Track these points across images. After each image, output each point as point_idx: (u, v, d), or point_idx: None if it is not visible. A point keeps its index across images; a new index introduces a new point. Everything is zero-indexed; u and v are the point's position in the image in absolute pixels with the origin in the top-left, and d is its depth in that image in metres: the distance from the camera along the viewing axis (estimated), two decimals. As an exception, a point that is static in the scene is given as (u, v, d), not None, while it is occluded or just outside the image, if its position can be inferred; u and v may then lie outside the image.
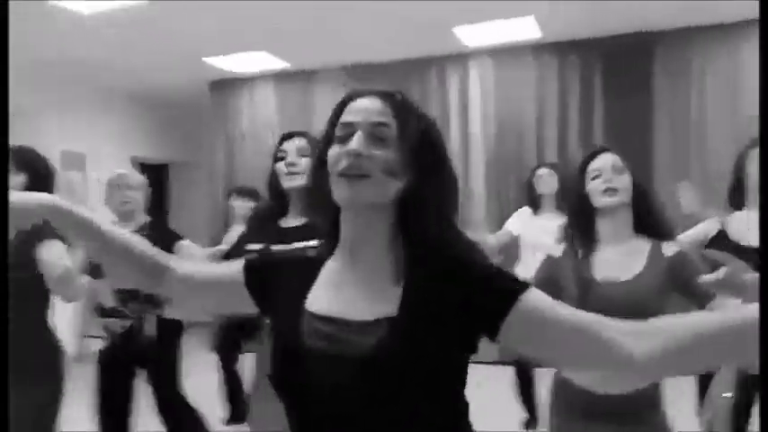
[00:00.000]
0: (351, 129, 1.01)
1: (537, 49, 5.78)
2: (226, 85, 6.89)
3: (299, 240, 2.01)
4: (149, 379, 3.13)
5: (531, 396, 4.07)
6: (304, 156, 2.11)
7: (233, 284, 1.12)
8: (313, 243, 1.95)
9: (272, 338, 1.06)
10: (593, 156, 1.95)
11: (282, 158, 2.13)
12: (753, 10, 4.59)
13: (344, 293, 1.02)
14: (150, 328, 3.04)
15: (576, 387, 1.78)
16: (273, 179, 2.16)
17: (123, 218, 3.06)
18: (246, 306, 1.13)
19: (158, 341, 3.06)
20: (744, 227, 2.52)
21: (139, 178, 3.16)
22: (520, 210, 4.31)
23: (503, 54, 5.89)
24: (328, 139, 1.04)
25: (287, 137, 2.18)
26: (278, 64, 6.32)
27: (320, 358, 0.97)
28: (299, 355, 0.99)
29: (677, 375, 0.95)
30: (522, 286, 0.95)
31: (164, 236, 2.95)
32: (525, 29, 5.37)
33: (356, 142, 0.98)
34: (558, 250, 1.99)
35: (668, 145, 5.44)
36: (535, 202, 4.13)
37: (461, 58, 6.03)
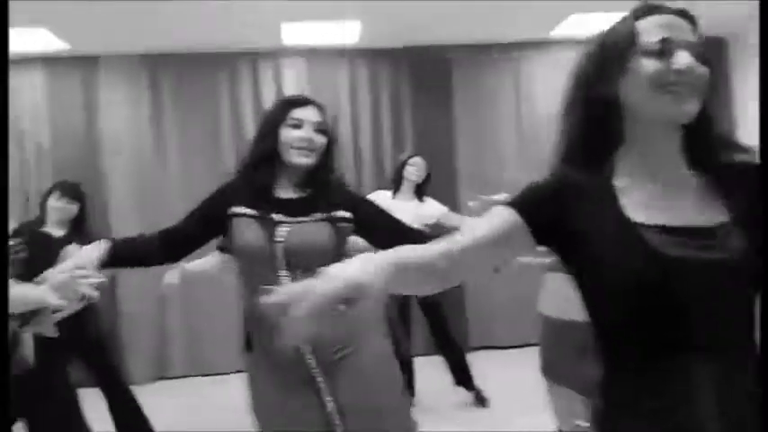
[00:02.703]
0: (668, 44, 1.03)
1: (351, 53, 5.90)
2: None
3: (302, 214, 1.91)
4: (32, 417, 2.54)
5: None
6: (320, 131, 1.93)
7: (513, 232, 1.09)
8: (316, 216, 1.91)
9: (589, 265, 1.05)
10: None
11: (295, 126, 1.91)
12: (536, 32, 5.75)
13: (671, 204, 1.06)
14: (24, 350, 2.43)
15: None
16: (273, 145, 1.93)
17: None
18: (525, 248, 1.12)
19: (40, 369, 2.45)
20: None
21: None
22: (377, 192, 4.52)
23: (317, 55, 5.87)
24: (620, 46, 1.05)
25: (300, 102, 1.96)
26: (56, 44, 5.27)
27: (690, 264, 1.00)
28: (661, 266, 1.00)
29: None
30: None
31: (43, 244, 2.58)
32: (343, 33, 5.41)
33: (687, 59, 1.01)
34: None
35: (468, 152, 6.06)
36: (398, 186, 4.47)
37: (275, 54, 5.84)
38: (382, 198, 4.37)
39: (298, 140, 1.92)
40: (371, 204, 2.12)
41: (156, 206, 5.59)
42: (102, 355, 3.71)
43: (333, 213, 1.94)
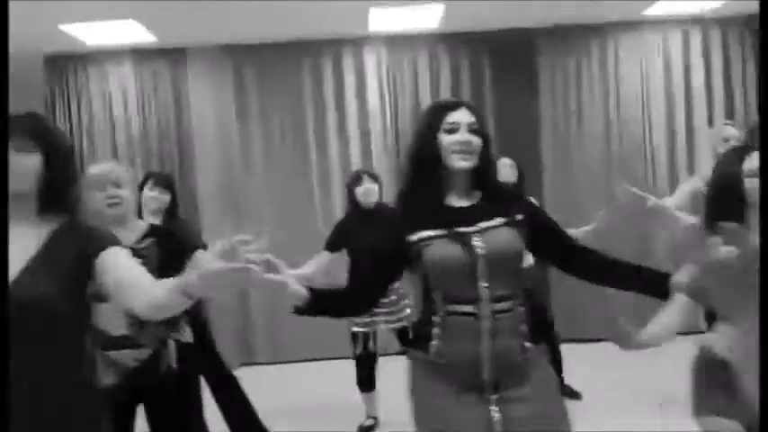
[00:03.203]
0: None
1: (432, 38, 5.84)
2: (68, 59, 5.74)
3: (483, 220, 1.88)
4: (162, 418, 2.56)
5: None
6: (474, 132, 1.89)
7: None
8: (498, 221, 1.89)
9: None
10: (747, 152, 2.09)
11: (451, 131, 1.88)
12: (624, 12, 5.52)
13: None
14: (170, 356, 2.50)
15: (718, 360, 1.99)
16: (435, 151, 1.90)
17: (112, 221, 2.45)
18: None
19: (179, 372, 2.51)
20: None
21: (128, 173, 2.66)
22: None
23: (399, 41, 5.84)
24: None
25: (453, 105, 1.94)
26: (144, 37, 5.39)
27: None
28: None
29: None
30: None
31: (176, 245, 2.52)
32: (426, 18, 5.35)
33: None
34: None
35: (552, 137, 5.89)
36: None
37: (357, 41, 5.83)
38: None
39: (456, 144, 1.89)
40: (537, 207, 2.12)
41: (241, 194, 5.71)
42: (207, 344, 3.76)
43: (511, 216, 1.93)
